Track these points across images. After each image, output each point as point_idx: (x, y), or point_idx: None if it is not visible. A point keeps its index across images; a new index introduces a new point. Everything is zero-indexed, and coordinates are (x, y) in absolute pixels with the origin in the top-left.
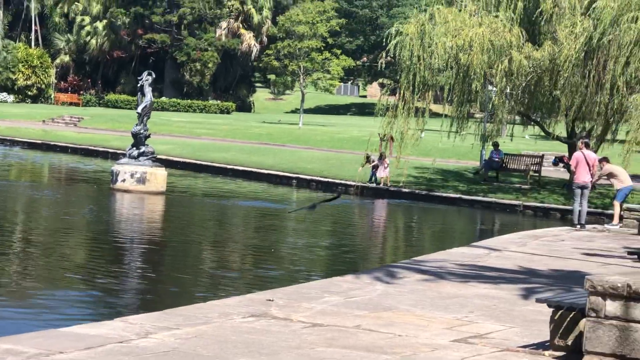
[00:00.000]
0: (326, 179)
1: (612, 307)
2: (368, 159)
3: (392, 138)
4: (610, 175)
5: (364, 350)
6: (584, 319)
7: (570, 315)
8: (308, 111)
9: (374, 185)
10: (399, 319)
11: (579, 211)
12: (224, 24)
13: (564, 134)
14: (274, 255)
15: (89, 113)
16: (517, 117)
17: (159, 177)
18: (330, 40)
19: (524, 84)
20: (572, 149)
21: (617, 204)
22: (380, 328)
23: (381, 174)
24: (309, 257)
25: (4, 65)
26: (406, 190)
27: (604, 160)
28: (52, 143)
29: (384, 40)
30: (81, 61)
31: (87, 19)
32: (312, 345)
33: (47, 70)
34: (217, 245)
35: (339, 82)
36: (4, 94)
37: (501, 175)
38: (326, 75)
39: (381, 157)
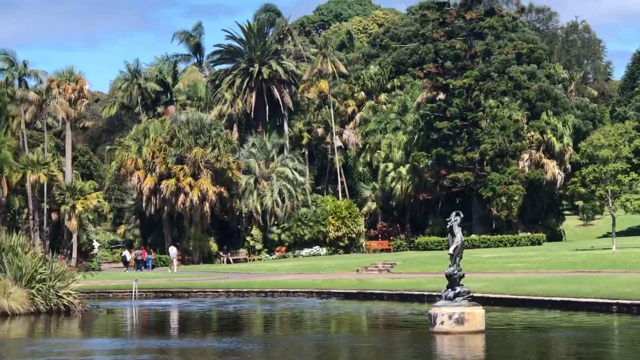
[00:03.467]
0: None
1: None
2: None
3: None
4: None
5: None
6: None
7: None
8: (620, 234)
9: None
10: None
11: None
12: (525, 156)
13: None
14: None
15: (400, 258)
16: None
17: (477, 317)
18: (635, 161)
19: None
20: None
21: None
22: None
23: None
24: None
25: (315, 219)
26: None
27: None
28: (367, 291)
29: None
30: (388, 207)
31: (390, 166)
32: None
33: (356, 219)
34: None
35: None
36: (317, 247)
37: None
38: (634, 196)
39: None
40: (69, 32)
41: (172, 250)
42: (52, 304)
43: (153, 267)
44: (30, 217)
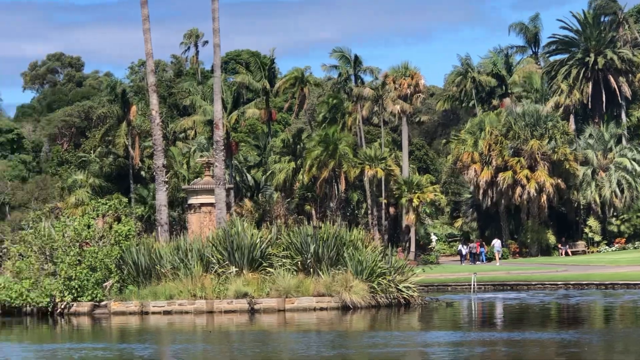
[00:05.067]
0: None
1: None
2: None
3: None
4: None
5: None
6: None
7: None
8: None
9: None
10: None
11: None
12: None
13: None
14: None
15: None
16: None
17: None
18: None
19: None
20: None
21: None
22: None
23: None
24: None
25: None
26: None
27: None
28: None
29: None
30: None
31: None
32: None
33: None
34: None
35: None
36: None
37: None
38: None
39: None
40: (399, 28)
41: (496, 243)
42: (391, 298)
43: (490, 259)
44: (369, 211)
